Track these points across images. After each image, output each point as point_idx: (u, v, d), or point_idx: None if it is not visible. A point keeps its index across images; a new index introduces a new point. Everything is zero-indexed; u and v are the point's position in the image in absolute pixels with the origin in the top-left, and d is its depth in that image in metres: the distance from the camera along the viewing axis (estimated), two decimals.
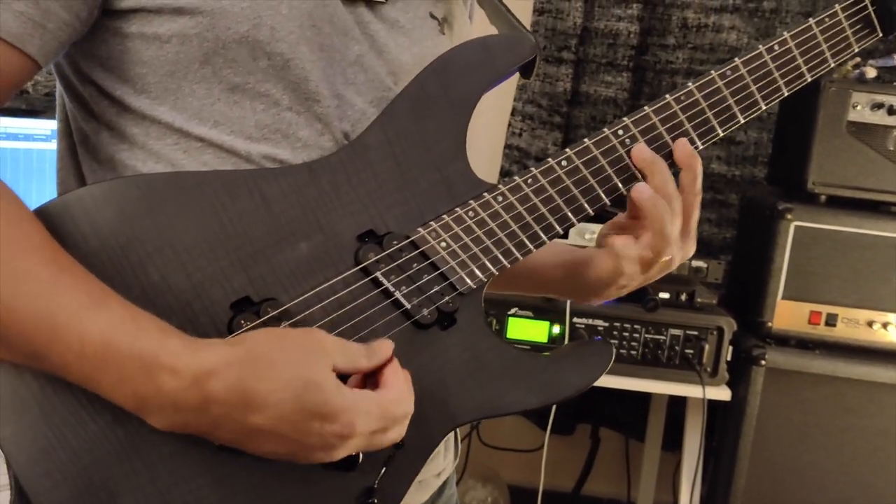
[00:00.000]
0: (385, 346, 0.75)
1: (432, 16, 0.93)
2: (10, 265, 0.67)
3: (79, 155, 0.86)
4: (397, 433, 0.74)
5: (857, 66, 1.98)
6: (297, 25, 0.80)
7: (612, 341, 1.96)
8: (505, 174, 2.48)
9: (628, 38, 2.43)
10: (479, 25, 1.03)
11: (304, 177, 0.81)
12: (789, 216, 1.94)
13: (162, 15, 0.77)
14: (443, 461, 1.00)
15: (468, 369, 0.84)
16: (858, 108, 1.93)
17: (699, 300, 1.99)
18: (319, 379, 0.70)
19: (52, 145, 1.77)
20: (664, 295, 1.98)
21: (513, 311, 1.95)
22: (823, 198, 1.97)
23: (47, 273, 0.68)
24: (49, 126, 1.76)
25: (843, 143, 1.94)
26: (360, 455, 0.77)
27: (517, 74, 0.92)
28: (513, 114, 2.49)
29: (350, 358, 0.73)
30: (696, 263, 2.03)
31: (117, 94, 0.81)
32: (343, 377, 0.73)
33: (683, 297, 1.99)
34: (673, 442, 2.41)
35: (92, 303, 0.69)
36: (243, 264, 0.77)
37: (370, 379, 0.75)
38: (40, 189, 1.73)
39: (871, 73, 1.96)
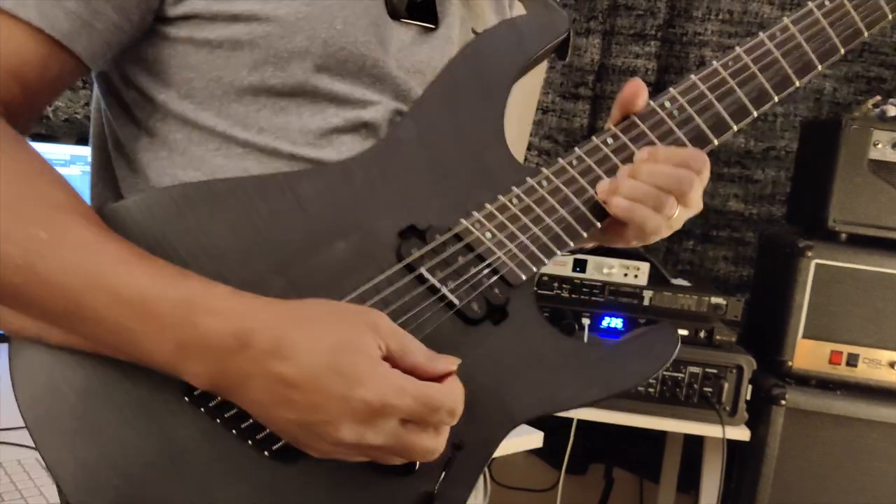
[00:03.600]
0: (450, 360, 0.71)
1: (474, 32, 0.92)
2: (63, 222, 0.68)
3: (113, 163, 0.85)
4: (435, 438, 0.69)
5: (877, 104, 1.98)
6: (350, 42, 0.80)
7: None
8: None
9: (646, 75, 2.43)
10: None
11: (337, 176, 0.79)
12: (810, 254, 1.92)
13: (215, 22, 0.77)
14: (473, 500, 0.97)
15: (524, 363, 0.80)
16: (879, 146, 1.91)
17: (718, 338, 1.96)
18: (356, 343, 0.67)
19: (71, 170, 1.78)
20: (683, 332, 1.95)
21: None
22: (844, 236, 1.95)
23: (92, 231, 0.69)
24: (68, 151, 1.76)
25: (865, 181, 1.92)
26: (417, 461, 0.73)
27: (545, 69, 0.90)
28: (529, 149, 2.48)
29: (404, 344, 0.69)
30: (715, 300, 2.00)
31: (160, 98, 0.81)
32: None
33: (702, 334, 1.97)
34: (688, 483, 2.37)
35: (136, 257, 0.69)
36: (281, 268, 0.75)
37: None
38: None
39: (892, 111, 1.95)
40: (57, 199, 0.70)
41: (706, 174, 0.83)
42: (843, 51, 0.87)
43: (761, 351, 1.98)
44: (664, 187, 0.81)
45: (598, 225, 0.83)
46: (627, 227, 0.84)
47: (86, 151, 1.84)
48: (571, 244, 0.83)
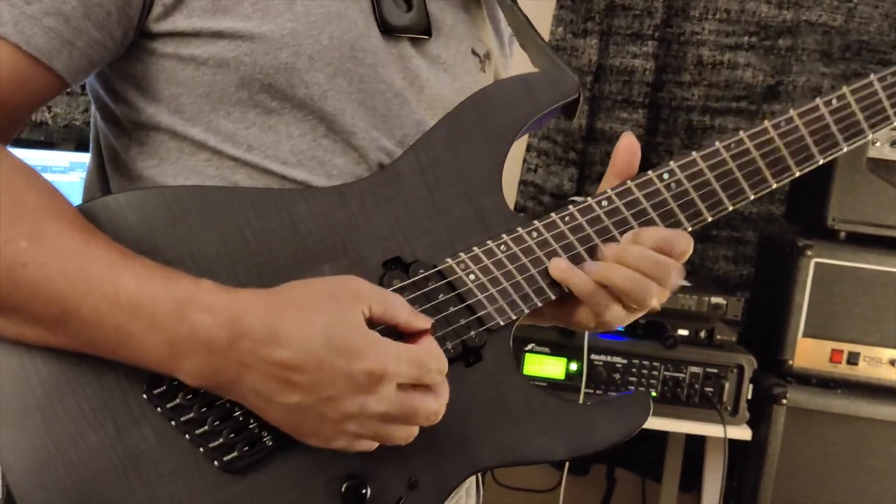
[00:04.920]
0: (425, 318, 0.75)
1: (474, 52, 0.92)
2: (42, 229, 0.69)
3: (107, 172, 0.86)
4: (432, 402, 0.73)
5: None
6: (337, 56, 0.80)
7: (631, 378, 1.93)
8: (520, 210, 2.47)
9: (644, 75, 2.43)
10: (519, 66, 1.02)
11: (334, 199, 0.80)
12: (809, 253, 1.92)
13: (200, 37, 0.77)
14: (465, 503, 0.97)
15: (492, 410, 0.81)
16: (878, 144, 1.92)
17: (719, 337, 1.96)
18: (346, 318, 0.70)
19: (70, 177, 1.78)
20: (683, 332, 1.96)
21: (529, 346, 1.93)
22: (843, 234, 1.95)
23: (79, 235, 0.70)
24: (66, 158, 1.76)
25: (863, 179, 1.93)
26: (368, 491, 0.75)
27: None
28: (528, 150, 2.48)
29: (386, 304, 0.73)
30: (715, 300, 2.00)
31: (150, 111, 0.81)
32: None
33: (703, 334, 1.97)
34: (690, 483, 2.37)
35: (125, 258, 0.70)
36: (263, 282, 0.75)
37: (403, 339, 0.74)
38: None
39: None
40: (36, 205, 0.70)
41: (687, 255, 0.84)
42: (845, 148, 0.87)
43: (762, 350, 1.98)
44: (648, 274, 0.82)
45: None
46: (583, 308, 0.85)
47: (85, 158, 1.84)
48: (552, 297, 0.83)
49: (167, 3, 0.76)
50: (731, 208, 0.87)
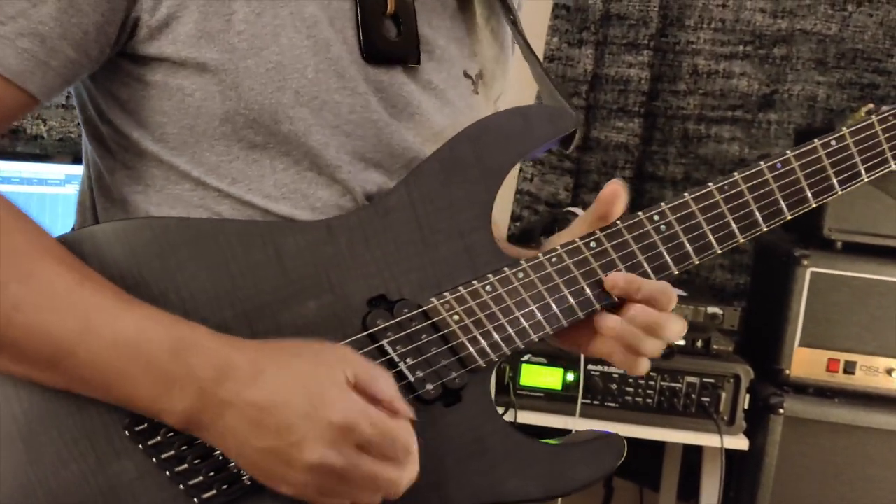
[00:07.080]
0: (409, 408, 0.74)
1: (466, 74, 0.91)
2: (34, 271, 0.69)
3: (94, 191, 0.86)
4: (393, 472, 0.71)
5: (870, 111, 1.98)
6: (324, 90, 0.79)
7: (628, 389, 1.93)
8: (516, 219, 2.48)
9: (639, 84, 2.43)
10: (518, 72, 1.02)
11: (322, 234, 0.79)
12: (805, 262, 1.92)
13: (186, 68, 0.77)
14: None
15: (469, 451, 0.81)
16: None
17: (715, 347, 1.96)
18: (325, 372, 0.71)
19: (66, 190, 1.77)
20: (680, 342, 1.95)
21: (526, 357, 1.92)
22: (840, 244, 1.95)
23: (71, 277, 0.70)
24: (62, 171, 1.76)
25: (859, 188, 1.91)
26: None
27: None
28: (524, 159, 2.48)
29: (372, 375, 0.73)
30: (711, 310, 2.00)
31: (135, 136, 0.80)
32: None
33: (699, 344, 1.96)
34: (688, 491, 2.36)
35: (121, 301, 0.71)
36: (248, 318, 0.76)
37: None
38: (54, 233, 1.70)
39: None
40: (26, 246, 0.70)
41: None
42: (840, 191, 0.86)
43: (759, 360, 1.98)
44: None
45: (566, 325, 0.84)
46: (599, 339, 0.85)
47: (81, 171, 1.83)
48: (535, 339, 0.83)
49: (152, 26, 0.75)
50: (719, 251, 0.85)
